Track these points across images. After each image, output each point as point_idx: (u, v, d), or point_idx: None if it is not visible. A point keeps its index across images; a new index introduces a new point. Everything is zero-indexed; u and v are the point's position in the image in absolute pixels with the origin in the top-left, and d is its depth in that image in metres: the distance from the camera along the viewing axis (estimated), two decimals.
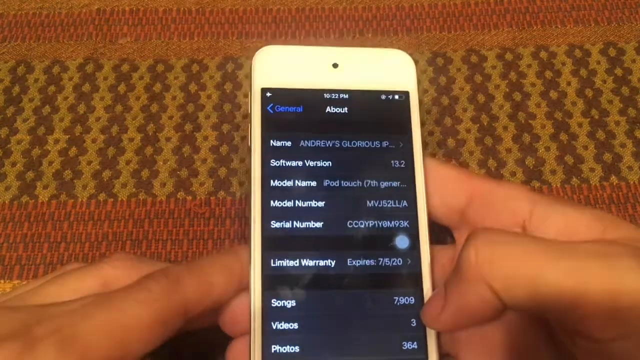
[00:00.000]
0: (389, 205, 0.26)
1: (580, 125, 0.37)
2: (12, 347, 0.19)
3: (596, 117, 0.37)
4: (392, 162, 0.26)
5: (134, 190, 0.35)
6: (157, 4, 0.42)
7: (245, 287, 0.24)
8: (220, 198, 0.34)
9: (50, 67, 0.39)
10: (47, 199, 0.34)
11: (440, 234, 0.31)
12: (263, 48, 0.28)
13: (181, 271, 0.23)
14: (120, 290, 0.22)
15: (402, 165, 0.26)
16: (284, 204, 0.25)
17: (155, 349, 0.22)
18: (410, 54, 0.29)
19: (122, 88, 0.38)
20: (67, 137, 0.36)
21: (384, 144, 0.27)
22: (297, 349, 0.24)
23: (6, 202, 0.34)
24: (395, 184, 0.26)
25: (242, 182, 0.35)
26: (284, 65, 0.27)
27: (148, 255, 0.33)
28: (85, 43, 0.40)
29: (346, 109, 0.27)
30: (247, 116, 0.37)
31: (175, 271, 0.23)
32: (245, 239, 0.25)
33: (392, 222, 0.26)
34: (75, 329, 0.20)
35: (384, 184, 0.26)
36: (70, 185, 0.35)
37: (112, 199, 0.34)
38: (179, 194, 0.35)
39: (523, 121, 0.37)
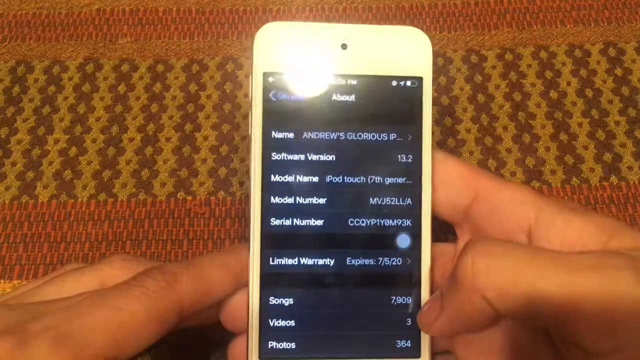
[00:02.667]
0: (392, 203, 0.25)
1: (580, 125, 0.37)
2: (5, 343, 0.19)
3: (596, 117, 0.37)
4: (399, 156, 0.25)
5: (134, 190, 0.35)
6: (157, 4, 0.42)
7: (243, 286, 0.24)
8: (220, 198, 0.34)
9: (50, 67, 0.39)
10: (47, 199, 0.34)
11: (441, 232, 0.31)
12: (266, 25, 0.25)
13: (178, 269, 0.23)
14: (115, 287, 0.22)
15: (409, 160, 0.25)
16: (285, 200, 0.25)
17: (151, 345, 0.22)
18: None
19: (122, 88, 0.38)
20: (67, 137, 0.36)
21: (392, 136, 0.25)
22: (293, 345, 0.24)
23: (6, 202, 0.34)
24: (400, 180, 0.25)
25: (242, 182, 0.35)
26: (288, 46, 0.25)
27: (148, 255, 0.33)
28: (85, 43, 0.40)
29: (353, 96, 0.25)
30: (247, 116, 0.37)
31: (172, 268, 0.23)
32: (246, 239, 0.25)
33: (395, 221, 0.25)
34: (70, 325, 0.20)
35: (388, 181, 0.25)
36: (70, 185, 0.35)
37: (112, 199, 0.34)
38: (179, 194, 0.35)
39: (523, 121, 0.37)
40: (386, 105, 0.25)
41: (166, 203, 0.34)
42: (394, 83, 0.26)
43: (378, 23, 0.41)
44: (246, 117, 0.37)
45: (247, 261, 0.24)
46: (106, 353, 0.20)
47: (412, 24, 0.41)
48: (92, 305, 0.21)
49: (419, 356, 0.24)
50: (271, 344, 0.24)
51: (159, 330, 0.22)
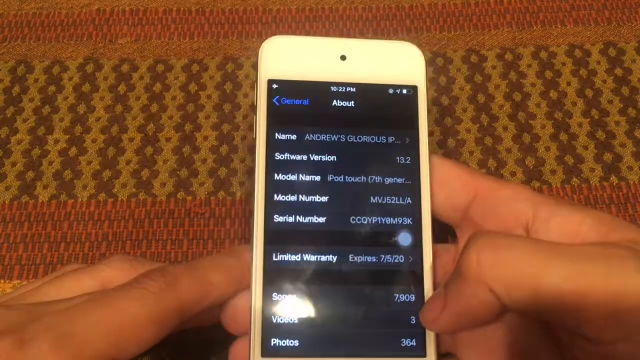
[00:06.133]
0: (392, 202, 0.26)
1: (580, 125, 0.37)
2: (5, 344, 0.19)
3: (596, 117, 0.37)
4: (398, 158, 0.26)
5: (134, 190, 0.35)
6: (157, 4, 0.42)
7: (244, 287, 0.24)
8: (220, 198, 0.34)
9: (50, 67, 0.39)
10: (47, 199, 0.34)
11: (441, 232, 0.31)
12: (271, 38, 0.27)
13: (179, 270, 0.23)
14: (116, 289, 0.22)
15: (407, 162, 0.26)
16: (288, 198, 0.25)
17: (150, 347, 0.22)
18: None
19: (122, 88, 0.38)
20: (67, 137, 0.36)
21: (390, 139, 0.26)
22: (296, 343, 0.24)
23: (6, 202, 0.34)
24: (399, 180, 0.26)
25: (242, 182, 0.35)
26: (291, 56, 0.27)
27: (148, 255, 0.33)
28: (85, 43, 0.40)
29: (353, 102, 0.27)
30: (247, 116, 0.37)
31: (173, 270, 0.23)
32: (247, 238, 0.25)
33: (396, 219, 0.25)
34: (70, 326, 0.20)
35: (388, 181, 0.26)
36: (70, 185, 0.35)
37: (112, 199, 0.34)
38: (179, 194, 0.35)
39: (523, 121, 0.37)
40: (384, 111, 0.27)
41: (166, 203, 0.34)
42: (391, 91, 0.27)
43: (378, 23, 0.41)
44: (246, 117, 0.37)
45: (248, 262, 0.25)
46: (106, 354, 0.20)
47: (412, 24, 0.41)
48: (93, 306, 0.21)
49: (424, 355, 0.24)
50: (274, 341, 0.24)
51: (160, 332, 0.22)
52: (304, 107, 0.26)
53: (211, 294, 0.23)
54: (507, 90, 0.38)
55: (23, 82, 0.38)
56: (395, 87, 0.27)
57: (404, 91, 0.27)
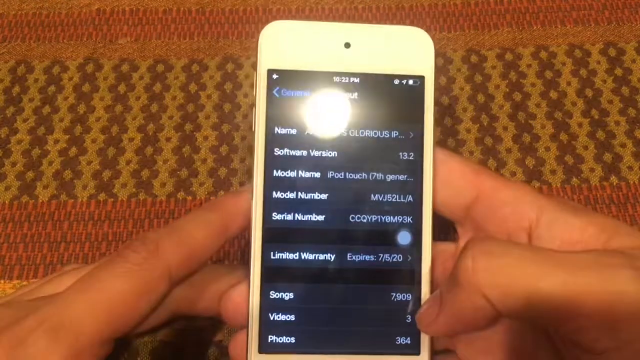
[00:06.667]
0: (393, 200, 0.25)
1: (580, 125, 0.37)
2: (3, 342, 0.19)
3: (596, 117, 0.37)
4: (401, 154, 0.25)
5: (134, 190, 0.35)
6: (157, 4, 0.42)
7: (228, 239, 0.25)
8: None
9: (50, 67, 0.39)
10: (47, 199, 0.34)
11: (441, 231, 0.31)
12: (271, 23, 0.26)
13: (159, 235, 0.23)
14: (99, 267, 0.22)
15: (410, 158, 0.25)
16: (287, 195, 0.25)
17: (149, 315, 0.22)
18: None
19: (122, 88, 0.38)
20: (67, 137, 0.36)
21: (394, 134, 0.25)
22: (292, 339, 0.24)
23: (6, 202, 0.34)
24: (402, 177, 0.25)
25: (242, 182, 0.35)
26: (292, 44, 0.25)
27: None
28: (85, 43, 0.40)
29: (356, 94, 0.26)
30: (247, 116, 0.37)
31: (153, 236, 0.23)
32: (245, 236, 0.25)
33: (396, 218, 0.25)
34: (61, 316, 0.20)
35: (390, 177, 0.25)
36: (70, 185, 0.35)
37: (112, 199, 0.34)
38: (179, 194, 0.35)
39: (523, 121, 0.37)
40: (388, 103, 0.26)
41: (166, 203, 0.34)
42: (396, 82, 0.26)
43: (378, 23, 0.41)
44: (246, 117, 0.37)
45: (227, 213, 0.25)
46: (102, 335, 0.21)
47: (412, 24, 0.41)
48: (79, 292, 0.21)
49: (418, 353, 0.24)
50: (271, 338, 0.24)
51: (151, 301, 0.22)
52: (305, 100, 0.25)
53: (196, 252, 0.23)
54: (507, 90, 0.38)
55: (23, 82, 0.38)
56: (401, 77, 0.26)
57: (410, 82, 0.26)
